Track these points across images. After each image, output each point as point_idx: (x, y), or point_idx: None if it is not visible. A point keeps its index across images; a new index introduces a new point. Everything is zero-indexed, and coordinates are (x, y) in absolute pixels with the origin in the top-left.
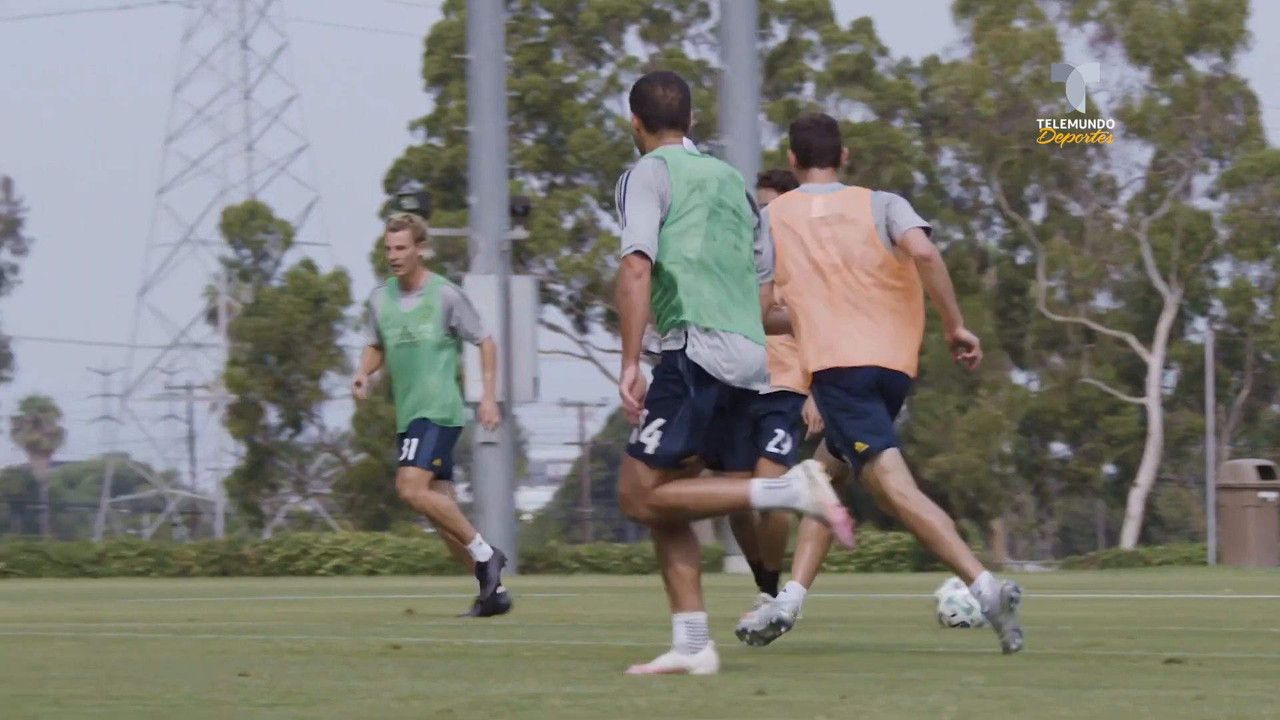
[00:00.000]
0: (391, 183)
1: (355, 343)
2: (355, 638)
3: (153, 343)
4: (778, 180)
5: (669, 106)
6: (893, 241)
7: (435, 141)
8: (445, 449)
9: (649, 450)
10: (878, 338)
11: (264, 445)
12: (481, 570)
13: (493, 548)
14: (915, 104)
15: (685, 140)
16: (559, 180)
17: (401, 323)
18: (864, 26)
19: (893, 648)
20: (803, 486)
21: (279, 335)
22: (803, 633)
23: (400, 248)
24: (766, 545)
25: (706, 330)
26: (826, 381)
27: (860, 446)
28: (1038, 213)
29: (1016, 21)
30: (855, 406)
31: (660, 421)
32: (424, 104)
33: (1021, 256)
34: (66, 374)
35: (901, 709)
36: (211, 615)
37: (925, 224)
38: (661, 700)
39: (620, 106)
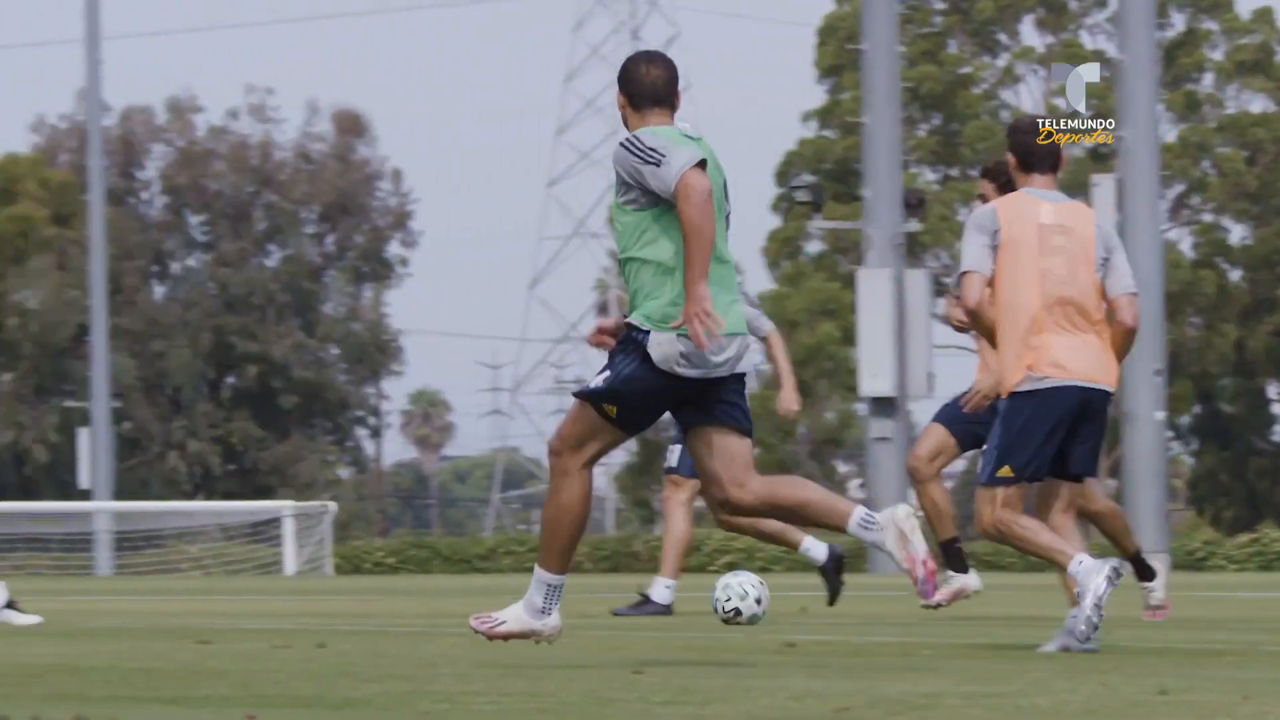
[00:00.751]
0: (783, 175)
1: None
2: (750, 635)
3: (543, 336)
4: (1003, 175)
5: (653, 84)
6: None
7: (828, 133)
8: None
9: (591, 384)
10: (1089, 354)
11: (655, 440)
12: (643, 601)
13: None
14: None
15: (678, 121)
16: (953, 172)
17: None
18: (1265, 16)
19: None
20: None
21: None
22: (1203, 631)
23: None
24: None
25: (677, 335)
26: (1025, 394)
27: (1005, 472)
28: None
29: None
30: (1034, 434)
31: (608, 374)
32: (816, 95)
33: None
34: (456, 368)
35: None
36: (603, 611)
37: (1135, 290)
38: (1062, 699)
39: (1016, 97)
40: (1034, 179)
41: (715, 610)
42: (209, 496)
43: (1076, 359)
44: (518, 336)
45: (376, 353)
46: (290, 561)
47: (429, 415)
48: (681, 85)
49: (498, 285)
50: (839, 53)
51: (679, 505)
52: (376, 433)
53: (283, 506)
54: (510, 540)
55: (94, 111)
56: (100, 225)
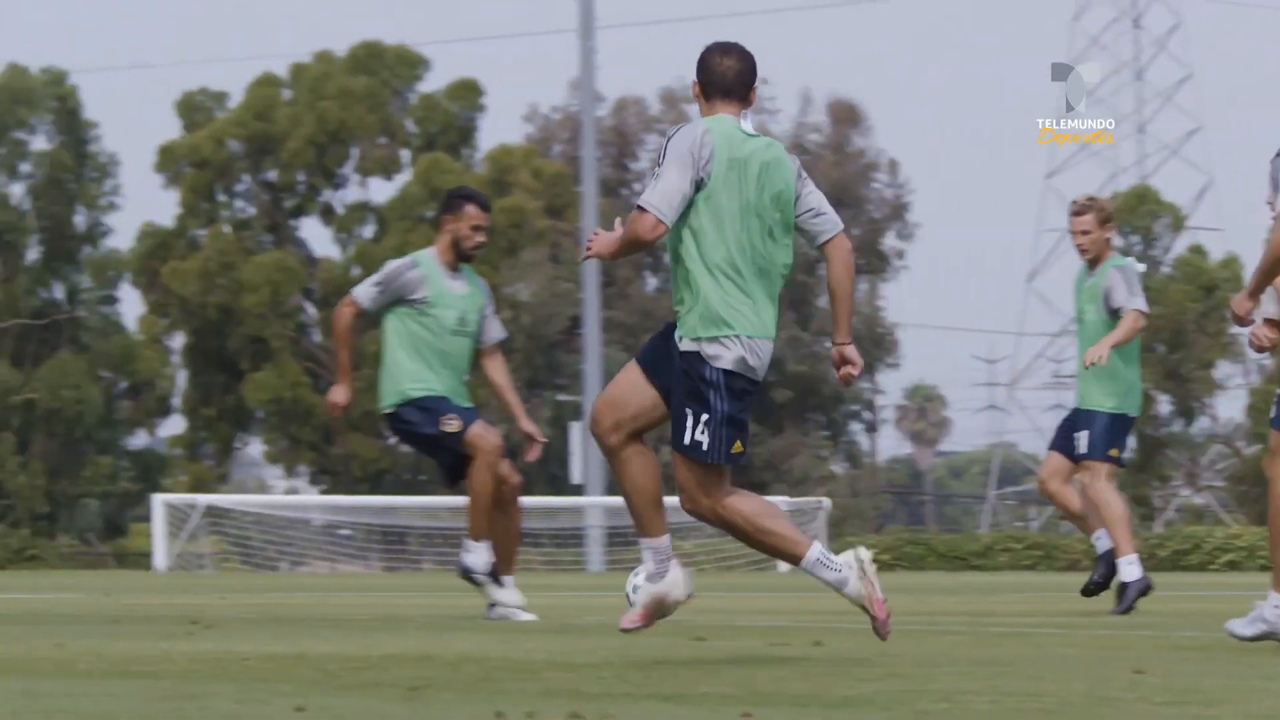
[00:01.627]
0: None
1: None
2: None
3: (1040, 330)
4: None
5: (723, 75)
6: None
7: None
8: (1120, 437)
9: (705, 448)
10: None
11: (1155, 436)
12: (1122, 589)
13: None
14: None
15: (745, 116)
16: None
17: (1081, 303)
18: None
19: None
20: (854, 577)
21: (1169, 324)
22: None
23: (1085, 232)
24: None
25: (723, 340)
26: None
27: None
28: None
29: None
30: None
31: (705, 417)
32: None
33: None
34: (951, 362)
35: None
36: (1099, 609)
37: None
38: None
39: None
40: None
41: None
42: None
43: None
44: (1015, 330)
45: (872, 346)
46: None
47: (924, 410)
48: (1182, 75)
49: (995, 278)
50: None
51: (1103, 488)
52: (872, 428)
53: (776, 502)
54: (1007, 537)
55: (587, 102)
56: (593, 217)
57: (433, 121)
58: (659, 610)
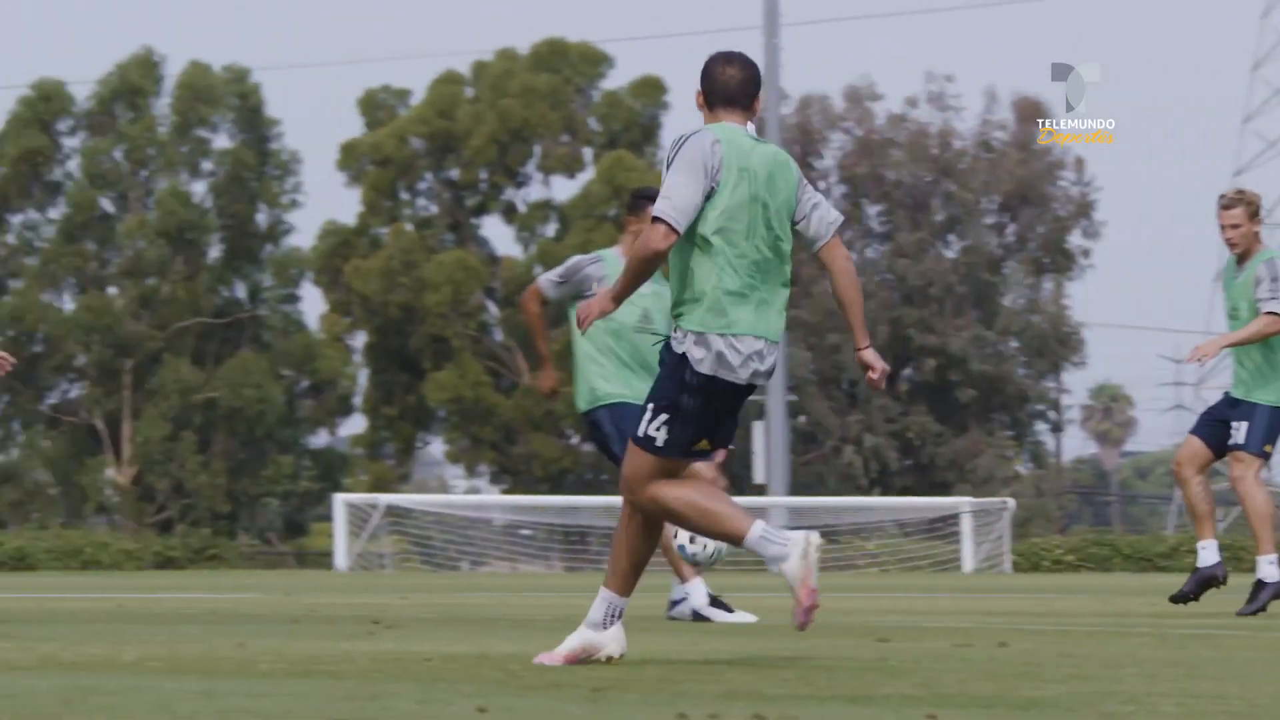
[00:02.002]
0: None
1: None
2: None
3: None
4: None
5: (725, 85)
6: None
7: None
8: (1276, 431)
9: (659, 444)
10: None
11: None
12: (1257, 588)
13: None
14: None
15: (749, 124)
16: None
17: (1234, 298)
18: None
19: None
20: (796, 555)
21: None
22: None
23: (1235, 226)
24: None
25: (717, 336)
26: None
27: None
28: None
29: None
30: None
31: (665, 416)
32: None
33: None
34: (1138, 361)
35: None
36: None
37: None
38: None
39: None
40: None
41: (700, 563)
42: (885, 492)
43: None
44: (1201, 329)
45: (1058, 345)
46: (968, 559)
47: (1110, 410)
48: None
49: (1181, 276)
50: None
51: (1252, 482)
52: (1057, 428)
53: (961, 503)
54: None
55: (772, 99)
56: None
57: (616, 119)
58: (582, 658)
